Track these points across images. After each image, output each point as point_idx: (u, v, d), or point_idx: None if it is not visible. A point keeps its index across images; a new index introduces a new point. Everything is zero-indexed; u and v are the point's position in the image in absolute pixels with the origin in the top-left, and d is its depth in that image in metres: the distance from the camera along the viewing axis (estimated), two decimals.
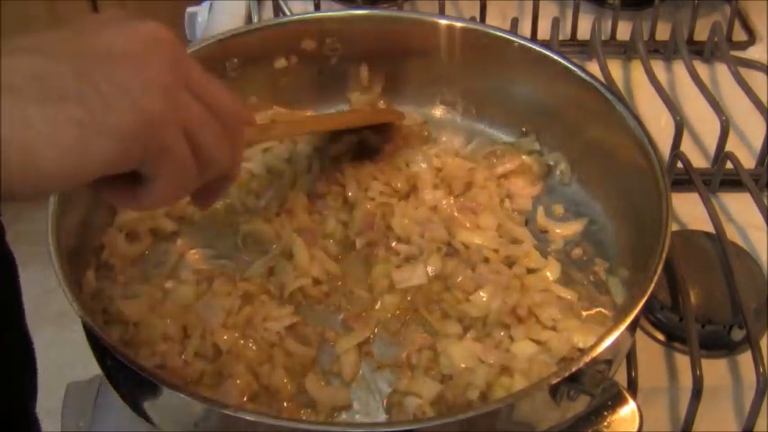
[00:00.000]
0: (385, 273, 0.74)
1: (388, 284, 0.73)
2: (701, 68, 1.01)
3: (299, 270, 0.73)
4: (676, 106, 0.90)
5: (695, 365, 0.67)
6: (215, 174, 0.56)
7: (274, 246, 0.75)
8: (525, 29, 1.04)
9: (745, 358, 0.71)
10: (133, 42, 0.51)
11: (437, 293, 0.72)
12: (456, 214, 0.78)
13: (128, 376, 0.59)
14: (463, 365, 0.66)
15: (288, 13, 1.02)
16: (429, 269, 0.73)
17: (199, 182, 0.55)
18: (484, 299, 0.70)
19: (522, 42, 0.83)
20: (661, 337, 0.75)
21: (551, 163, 0.84)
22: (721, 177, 0.87)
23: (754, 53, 1.06)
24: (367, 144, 0.84)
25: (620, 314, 0.64)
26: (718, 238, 0.77)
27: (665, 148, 0.86)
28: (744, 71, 0.97)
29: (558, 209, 0.81)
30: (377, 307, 0.72)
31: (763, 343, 0.71)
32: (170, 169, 0.51)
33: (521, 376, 0.65)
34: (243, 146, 0.59)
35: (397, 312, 0.72)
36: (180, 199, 0.56)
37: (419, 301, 0.72)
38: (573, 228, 0.79)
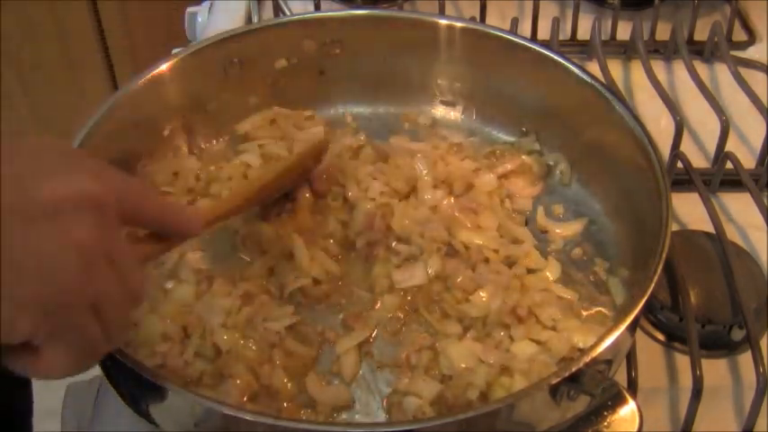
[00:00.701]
0: (385, 273, 0.74)
1: (388, 284, 0.73)
2: (701, 68, 1.01)
3: (298, 270, 0.73)
4: (676, 106, 0.90)
5: (695, 365, 0.67)
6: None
7: (274, 246, 0.75)
8: (525, 29, 1.04)
9: (745, 358, 0.71)
10: (58, 199, 0.45)
11: (437, 293, 0.72)
12: (456, 214, 0.78)
13: (128, 376, 0.59)
14: (463, 365, 0.66)
15: (288, 13, 1.02)
16: (429, 269, 0.73)
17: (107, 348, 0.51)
18: (484, 299, 0.70)
19: (522, 42, 0.83)
20: (661, 337, 0.75)
21: (551, 163, 0.84)
22: (721, 177, 0.87)
23: (754, 53, 1.06)
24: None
25: (620, 314, 0.64)
26: (718, 238, 0.77)
27: (665, 148, 0.86)
28: (744, 71, 0.97)
29: (558, 209, 0.81)
30: (377, 307, 0.72)
31: (763, 343, 0.71)
32: (68, 341, 0.47)
33: (521, 376, 0.65)
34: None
35: (398, 312, 0.72)
36: (86, 370, 0.52)
37: (419, 301, 0.72)
38: (573, 228, 0.79)
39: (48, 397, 1.12)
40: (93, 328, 0.48)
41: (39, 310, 0.45)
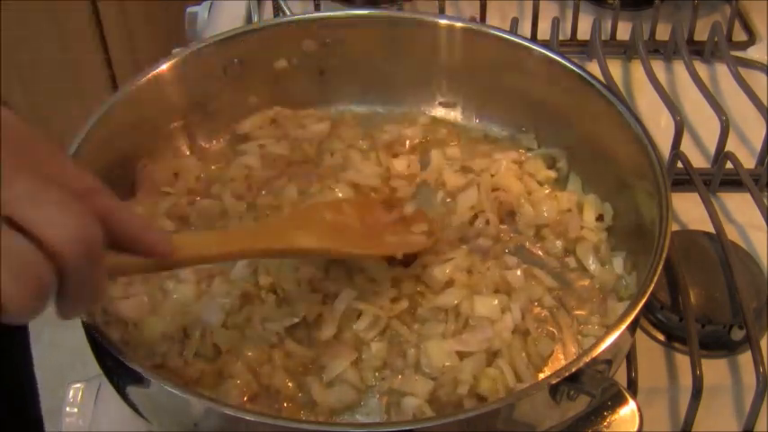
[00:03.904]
0: (348, 327, 0.70)
1: (354, 338, 0.70)
2: (701, 68, 1.01)
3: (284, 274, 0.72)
4: (676, 106, 0.90)
5: (695, 365, 0.67)
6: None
7: None
8: (525, 29, 1.04)
9: (745, 358, 0.71)
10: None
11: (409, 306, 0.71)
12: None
13: (128, 376, 0.59)
14: (447, 364, 0.66)
15: (288, 13, 1.02)
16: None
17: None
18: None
19: (522, 42, 0.83)
20: (661, 337, 0.75)
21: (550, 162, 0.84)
22: (721, 177, 0.87)
23: (754, 53, 1.06)
24: None
25: (620, 314, 0.64)
26: (718, 238, 0.77)
27: (665, 148, 0.86)
28: (744, 71, 0.97)
29: None
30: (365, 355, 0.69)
31: (763, 343, 0.71)
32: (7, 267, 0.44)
33: (504, 363, 0.65)
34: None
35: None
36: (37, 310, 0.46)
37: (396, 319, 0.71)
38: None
39: (48, 397, 1.12)
40: (27, 252, 0.45)
41: None
